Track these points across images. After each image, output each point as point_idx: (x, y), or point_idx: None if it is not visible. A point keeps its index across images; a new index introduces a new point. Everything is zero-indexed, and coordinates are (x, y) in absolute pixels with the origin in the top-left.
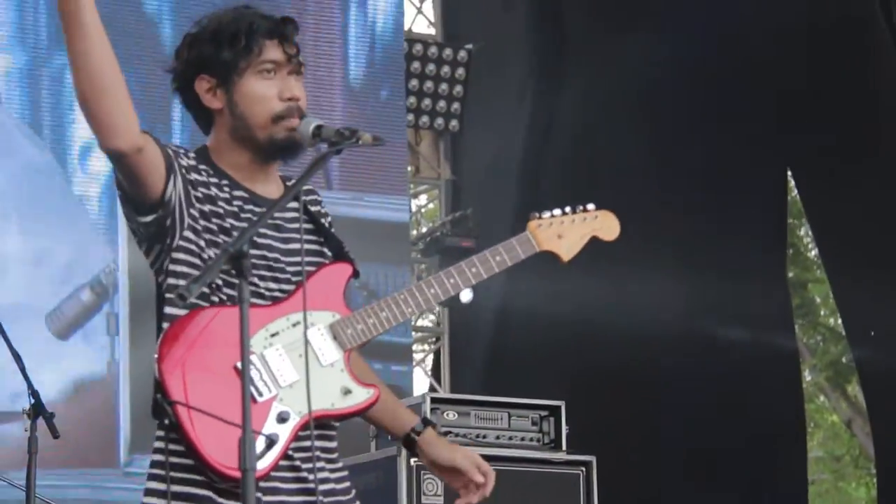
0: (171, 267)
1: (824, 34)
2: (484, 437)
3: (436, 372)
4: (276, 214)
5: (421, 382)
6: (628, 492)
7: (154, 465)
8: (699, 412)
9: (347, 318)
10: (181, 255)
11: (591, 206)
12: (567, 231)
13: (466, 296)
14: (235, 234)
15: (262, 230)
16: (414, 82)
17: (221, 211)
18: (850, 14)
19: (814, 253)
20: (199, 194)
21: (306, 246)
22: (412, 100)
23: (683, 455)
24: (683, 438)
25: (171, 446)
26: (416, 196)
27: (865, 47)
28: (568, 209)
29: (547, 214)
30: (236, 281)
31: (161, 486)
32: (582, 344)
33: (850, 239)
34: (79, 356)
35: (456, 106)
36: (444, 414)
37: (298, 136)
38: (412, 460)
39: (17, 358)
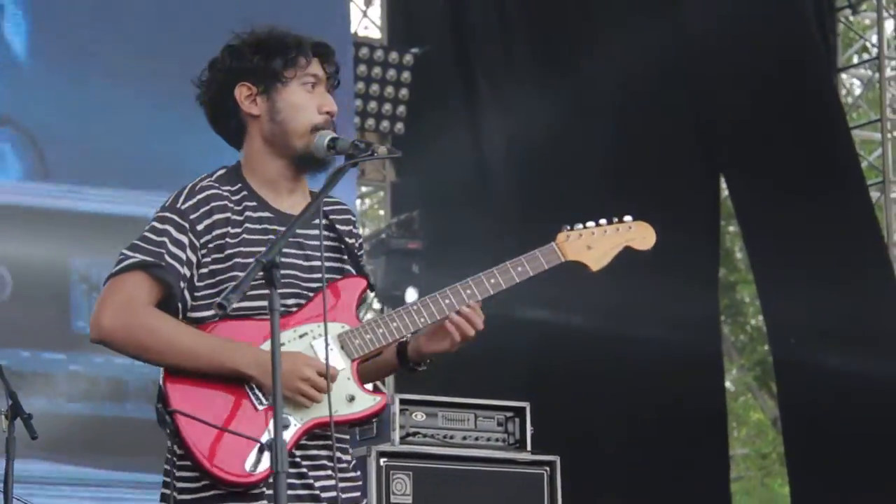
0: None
1: (762, 35)
2: (451, 437)
3: None
4: (299, 232)
5: None
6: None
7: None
8: (636, 412)
9: (356, 328)
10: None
11: (627, 218)
12: (597, 242)
13: (411, 296)
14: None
15: (286, 249)
16: (360, 85)
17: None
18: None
19: (742, 254)
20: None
21: (327, 263)
22: (358, 102)
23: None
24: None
25: (178, 462)
26: (360, 198)
27: (802, 55)
28: (603, 221)
29: (578, 226)
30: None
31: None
32: (540, 344)
33: (779, 241)
34: None
35: (401, 109)
36: (413, 415)
37: (313, 149)
38: (382, 460)
39: None
